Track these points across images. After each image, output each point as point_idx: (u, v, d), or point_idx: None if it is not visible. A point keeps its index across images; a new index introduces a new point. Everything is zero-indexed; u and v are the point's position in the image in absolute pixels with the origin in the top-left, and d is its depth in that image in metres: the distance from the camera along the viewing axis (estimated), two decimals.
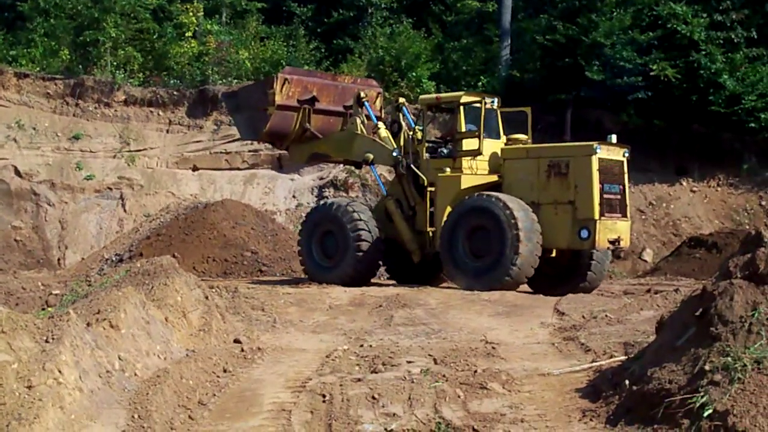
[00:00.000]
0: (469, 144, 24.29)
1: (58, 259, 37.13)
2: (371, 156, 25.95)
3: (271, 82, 26.46)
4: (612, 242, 22.83)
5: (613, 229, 22.83)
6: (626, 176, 23.75)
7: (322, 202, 28.80)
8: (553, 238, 22.95)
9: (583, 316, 17.57)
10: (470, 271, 23.27)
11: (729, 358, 9.06)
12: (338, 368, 13.04)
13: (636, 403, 9.68)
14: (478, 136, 23.94)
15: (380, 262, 26.05)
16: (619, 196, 23.28)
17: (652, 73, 35.63)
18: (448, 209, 23.91)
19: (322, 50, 46.36)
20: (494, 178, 24.14)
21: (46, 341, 10.13)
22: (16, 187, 38.53)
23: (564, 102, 37.17)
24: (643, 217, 36.03)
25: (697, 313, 9.96)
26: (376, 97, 27.96)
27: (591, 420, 10.09)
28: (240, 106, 27.91)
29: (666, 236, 35.34)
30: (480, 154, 24.04)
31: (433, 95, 26.59)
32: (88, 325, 11.65)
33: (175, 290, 15.39)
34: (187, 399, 11.34)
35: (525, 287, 23.64)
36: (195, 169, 39.55)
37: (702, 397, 8.79)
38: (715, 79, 35.59)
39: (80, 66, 42.27)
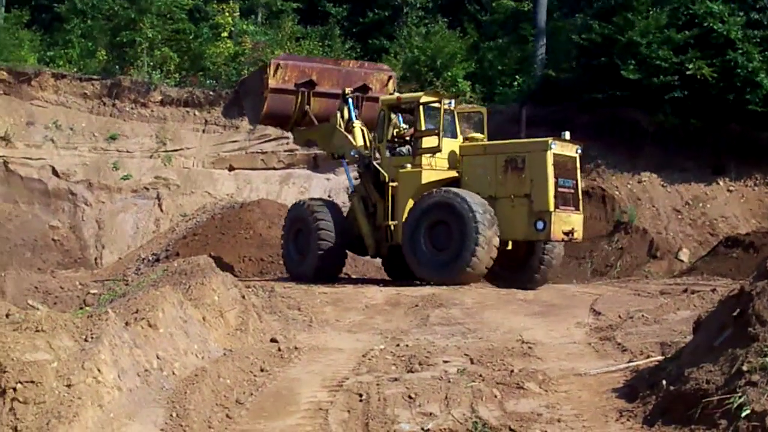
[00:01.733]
0: (428, 142, 25.18)
1: (95, 259, 37.30)
2: (343, 151, 27.14)
3: (266, 67, 27.73)
4: (566, 234, 23.76)
5: (567, 222, 23.81)
6: (578, 171, 24.75)
7: (297, 201, 29.67)
8: (510, 230, 23.85)
9: (620, 316, 17.55)
10: (432, 263, 24.21)
11: (767, 359, 9.02)
12: (375, 368, 13.08)
13: (673, 404, 9.65)
14: (438, 134, 24.89)
15: (344, 258, 27.16)
16: (572, 191, 24.29)
17: (688, 72, 35.32)
18: (410, 203, 24.99)
19: (358, 50, 46.39)
20: (453, 173, 25.17)
21: (86, 340, 10.21)
22: (53, 187, 38.77)
23: (599, 101, 37.00)
24: (680, 216, 35.84)
25: (735, 314, 9.91)
26: (387, 81, 29.01)
27: (628, 420, 10.07)
28: (247, 92, 29.38)
29: (702, 236, 35.10)
30: (439, 151, 24.99)
31: (394, 96, 26.99)
32: (127, 324, 11.72)
33: (212, 290, 15.47)
34: (224, 398, 11.40)
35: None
36: (231, 168, 39.63)
37: (740, 397, 8.75)
38: (752, 77, 35.28)
39: (117, 66, 42.45)
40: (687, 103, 35.73)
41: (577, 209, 24.45)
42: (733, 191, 36.86)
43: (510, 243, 24.23)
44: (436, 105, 25.41)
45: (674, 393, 9.73)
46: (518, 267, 24.93)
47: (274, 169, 40.55)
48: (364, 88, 28.24)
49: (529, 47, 45.85)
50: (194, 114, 41.44)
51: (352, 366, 13.36)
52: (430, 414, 10.65)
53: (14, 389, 9.07)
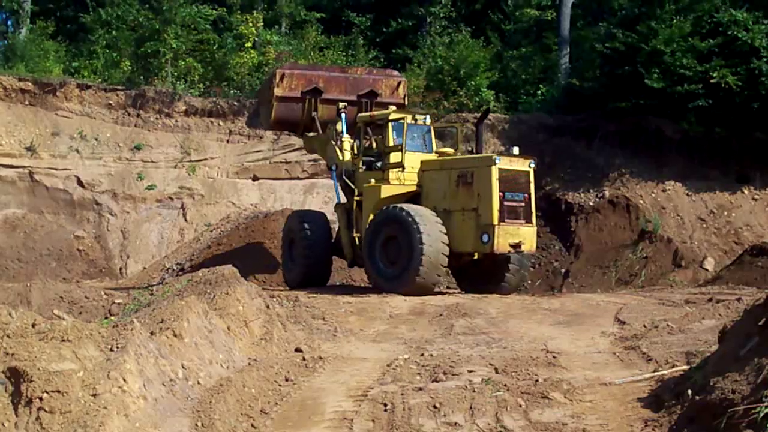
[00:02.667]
0: (395, 157, 26.32)
1: (120, 269, 37.43)
2: (332, 163, 28.29)
3: (274, 76, 28.95)
4: (513, 246, 24.56)
5: (515, 234, 24.62)
6: (532, 185, 25.52)
7: (292, 212, 31.42)
8: (461, 242, 24.87)
9: (645, 326, 17.49)
10: (386, 276, 25.40)
11: None
12: (399, 377, 13.09)
13: (699, 413, 9.63)
14: (401, 150, 25.97)
15: (329, 266, 28.64)
16: (523, 204, 25.11)
17: (712, 81, 35.13)
18: (371, 216, 26.19)
19: (381, 59, 46.41)
20: (413, 188, 26.31)
21: (111, 350, 10.24)
22: (78, 197, 38.93)
23: (623, 110, 36.90)
24: (704, 225, 35.68)
25: (761, 323, 9.88)
26: (397, 86, 29.85)
27: (653, 430, 10.07)
28: (261, 100, 30.81)
29: (728, 245, 34.92)
30: (402, 166, 26.10)
31: (368, 114, 28.01)
32: (152, 334, 11.76)
33: (237, 299, 15.51)
34: (249, 407, 11.42)
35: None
36: (255, 178, 39.74)
37: (766, 407, 8.71)
38: None
39: (141, 77, 42.59)
40: (711, 111, 35.57)
41: (529, 222, 25.19)
42: (758, 199, 36.66)
43: (476, 253, 25.02)
44: (401, 120, 26.47)
45: (700, 403, 9.70)
46: (487, 276, 25.80)
47: (298, 178, 40.61)
48: (373, 94, 29.01)
49: (553, 56, 45.84)
50: (218, 124, 41.56)
51: (377, 375, 13.38)
52: (455, 424, 10.66)
53: (40, 399, 9.11)
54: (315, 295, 23.46)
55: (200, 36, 44.87)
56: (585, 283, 32.52)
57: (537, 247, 35.55)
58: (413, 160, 26.23)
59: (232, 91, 42.95)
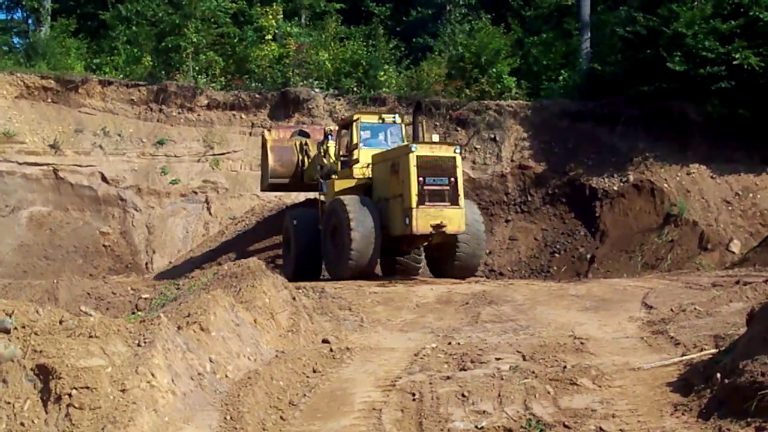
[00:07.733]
0: (355, 154, 28.22)
1: (146, 264, 37.52)
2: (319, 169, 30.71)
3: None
4: (435, 227, 25.69)
5: (436, 216, 25.74)
6: (459, 170, 26.45)
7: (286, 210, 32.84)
8: (394, 226, 26.49)
9: (672, 310, 17.42)
10: (332, 261, 27.42)
11: None
12: (427, 366, 13.07)
13: (728, 397, 9.58)
14: (357, 147, 27.99)
15: (320, 262, 28.97)
16: (447, 187, 26.08)
17: (735, 62, 34.91)
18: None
19: (402, 49, 46.32)
20: (365, 180, 28.23)
21: (139, 345, 10.27)
22: (103, 193, 39.06)
23: (646, 94, 36.74)
24: (730, 208, 35.48)
25: None
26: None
27: (683, 414, 10.02)
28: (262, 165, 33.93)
29: (753, 227, 34.72)
30: (357, 162, 28.04)
31: (340, 118, 31.62)
32: (179, 328, 11.78)
33: (263, 292, 15.53)
34: (278, 399, 11.44)
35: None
36: None
37: None
38: None
39: (163, 72, 42.70)
40: (735, 93, 35.37)
41: (455, 204, 26.07)
42: None
43: (434, 236, 26.26)
44: (365, 121, 28.89)
45: (729, 386, 9.66)
46: (443, 257, 27.58)
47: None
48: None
49: (574, 41, 45.71)
50: (241, 117, 41.64)
51: (405, 365, 13.37)
52: (484, 412, 10.64)
53: (69, 395, 9.15)
54: (341, 286, 23.44)
55: (220, 30, 44.95)
56: (611, 268, 32.43)
57: (562, 233, 35.77)
58: (368, 156, 28.12)
59: (253, 84, 43.02)
